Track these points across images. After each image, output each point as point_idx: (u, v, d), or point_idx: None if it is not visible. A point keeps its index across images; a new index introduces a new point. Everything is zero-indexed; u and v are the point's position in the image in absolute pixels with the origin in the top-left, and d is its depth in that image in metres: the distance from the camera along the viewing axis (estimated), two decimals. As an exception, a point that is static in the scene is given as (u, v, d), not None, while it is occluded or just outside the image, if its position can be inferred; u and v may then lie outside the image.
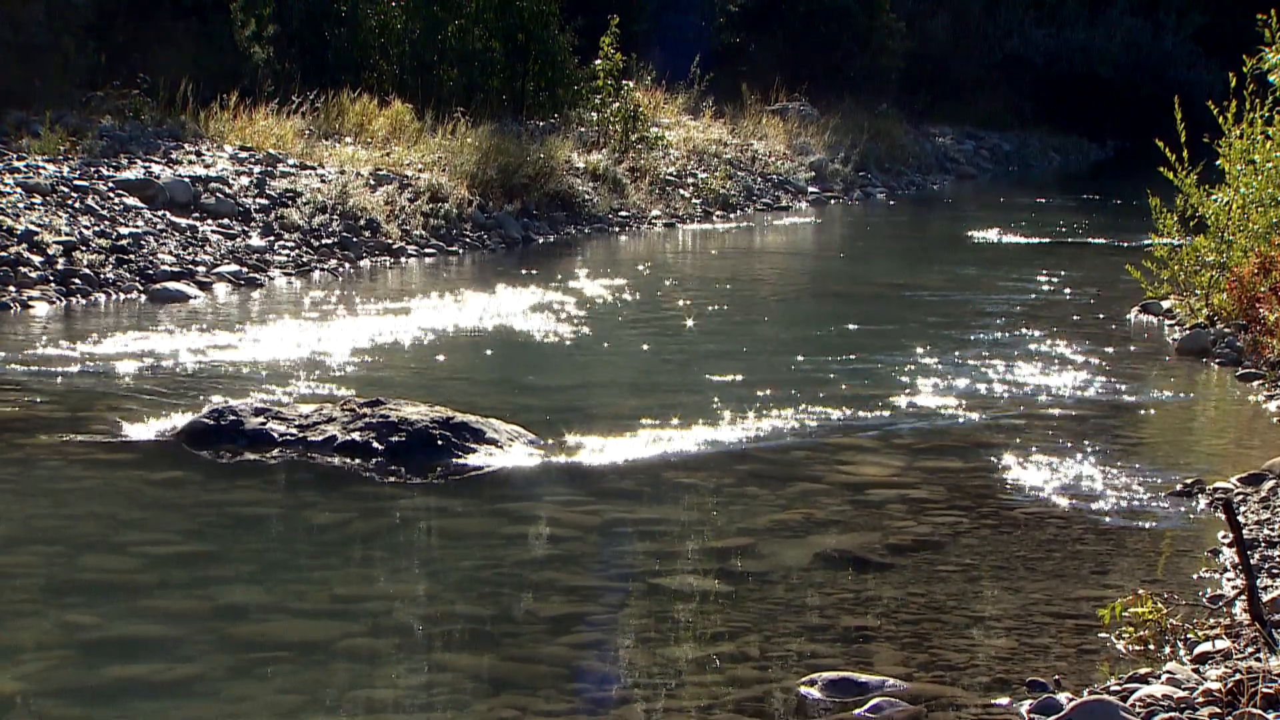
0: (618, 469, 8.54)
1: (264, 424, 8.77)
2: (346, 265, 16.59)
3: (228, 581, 6.69)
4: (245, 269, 15.45)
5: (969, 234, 22.83)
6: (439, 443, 8.56)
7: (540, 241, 19.87)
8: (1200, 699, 5.23)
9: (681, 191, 24.55)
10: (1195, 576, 6.94)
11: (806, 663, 5.82)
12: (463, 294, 14.82)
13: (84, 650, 5.84)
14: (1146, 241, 14.84)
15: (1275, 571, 6.77)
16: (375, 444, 8.54)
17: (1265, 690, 5.14)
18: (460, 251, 18.29)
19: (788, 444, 9.20)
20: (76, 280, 13.95)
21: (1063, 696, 5.40)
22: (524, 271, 16.77)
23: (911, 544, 7.33)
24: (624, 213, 22.37)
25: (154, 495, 7.96)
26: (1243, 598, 6.25)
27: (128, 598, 6.42)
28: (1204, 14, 46.06)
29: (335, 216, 17.48)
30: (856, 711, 5.36)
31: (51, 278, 13.88)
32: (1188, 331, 13.17)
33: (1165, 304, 14.33)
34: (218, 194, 16.94)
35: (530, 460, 8.61)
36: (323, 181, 18.22)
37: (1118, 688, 5.49)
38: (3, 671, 5.59)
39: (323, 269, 16.22)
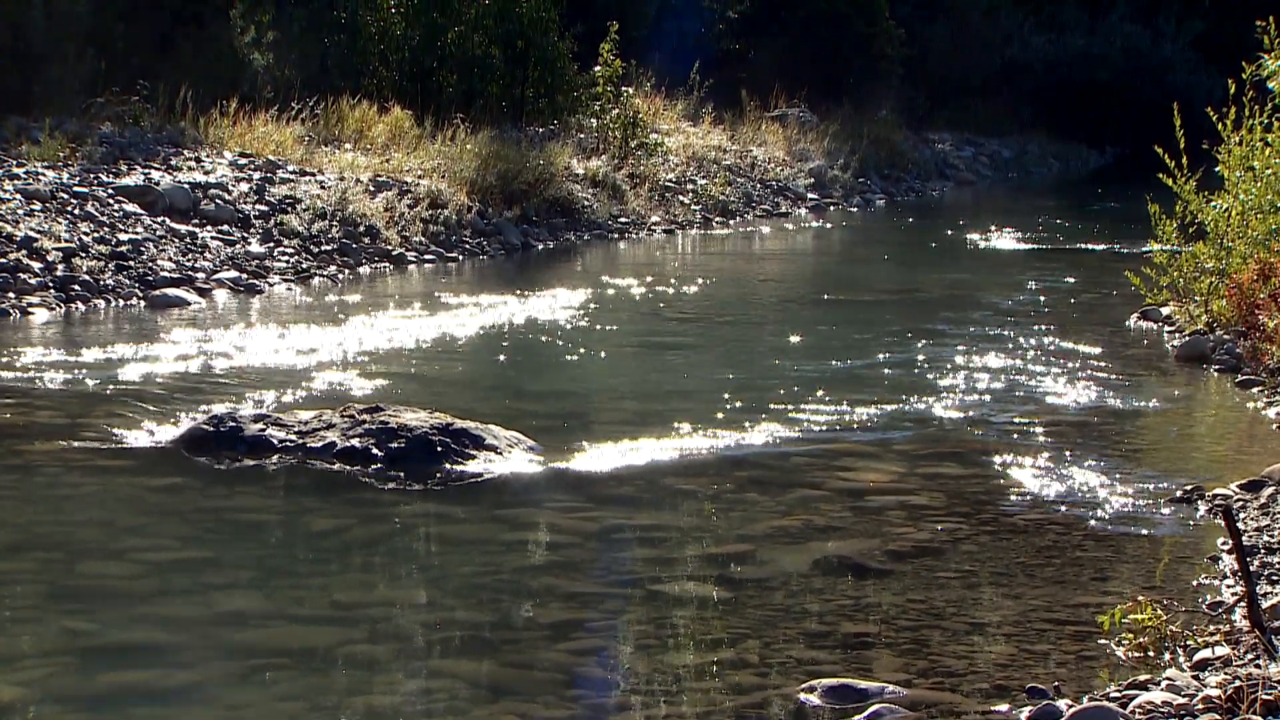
0: (617, 475, 8.54)
1: (263, 430, 8.77)
2: (346, 272, 16.59)
3: (227, 587, 6.69)
4: (245, 275, 15.45)
5: (968, 240, 22.83)
6: (438, 449, 8.56)
7: (540, 248, 19.88)
8: (1200, 705, 5.23)
9: (681, 198, 24.56)
10: (1195, 583, 6.94)
11: (806, 669, 5.82)
12: (462, 300, 14.82)
13: (83, 656, 5.84)
14: (1146, 248, 14.84)
15: (1275, 578, 6.77)
16: (375, 450, 8.54)
17: (1265, 697, 5.14)
18: (460, 258, 18.29)
19: (787, 450, 9.20)
20: (76, 287, 13.95)
21: (1062, 703, 5.39)
22: (523, 278, 16.77)
23: (911, 550, 7.33)
24: (623, 219, 22.37)
25: (153, 501, 7.96)
26: (1242, 604, 6.25)
27: (127, 604, 6.41)
28: (1203, 20, 46.09)
29: (334, 223, 17.49)
30: (856, 718, 5.36)
31: (51, 284, 13.88)
32: (1187, 338, 13.17)
33: (1164, 310, 14.33)
34: (217, 200, 16.95)
35: (530, 466, 8.61)
36: (322, 188, 18.23)
37: (1117, 694, 5.49)
38: (2, 677, 5.58)
39: (322, 275, 16.23)
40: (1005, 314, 15.07)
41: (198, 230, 16.20)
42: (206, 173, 17.80)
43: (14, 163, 16.49)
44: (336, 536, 7.51)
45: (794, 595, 6.71)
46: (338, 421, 8.84)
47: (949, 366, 11.94)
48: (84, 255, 14.55)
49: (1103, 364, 12.29)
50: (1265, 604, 6.19)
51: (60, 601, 6.42)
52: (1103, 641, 6.14)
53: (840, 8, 35.27)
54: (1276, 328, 11.51)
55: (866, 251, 22.49)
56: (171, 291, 14.39)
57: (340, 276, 16.35)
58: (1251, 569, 6.54)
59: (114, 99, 19.60)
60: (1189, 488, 8.35)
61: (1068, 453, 9.16)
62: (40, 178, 16.08)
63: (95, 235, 15.07)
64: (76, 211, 15.43)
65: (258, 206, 17.30)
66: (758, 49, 35.10)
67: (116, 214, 15.74)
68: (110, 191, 16.22)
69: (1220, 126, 13.49)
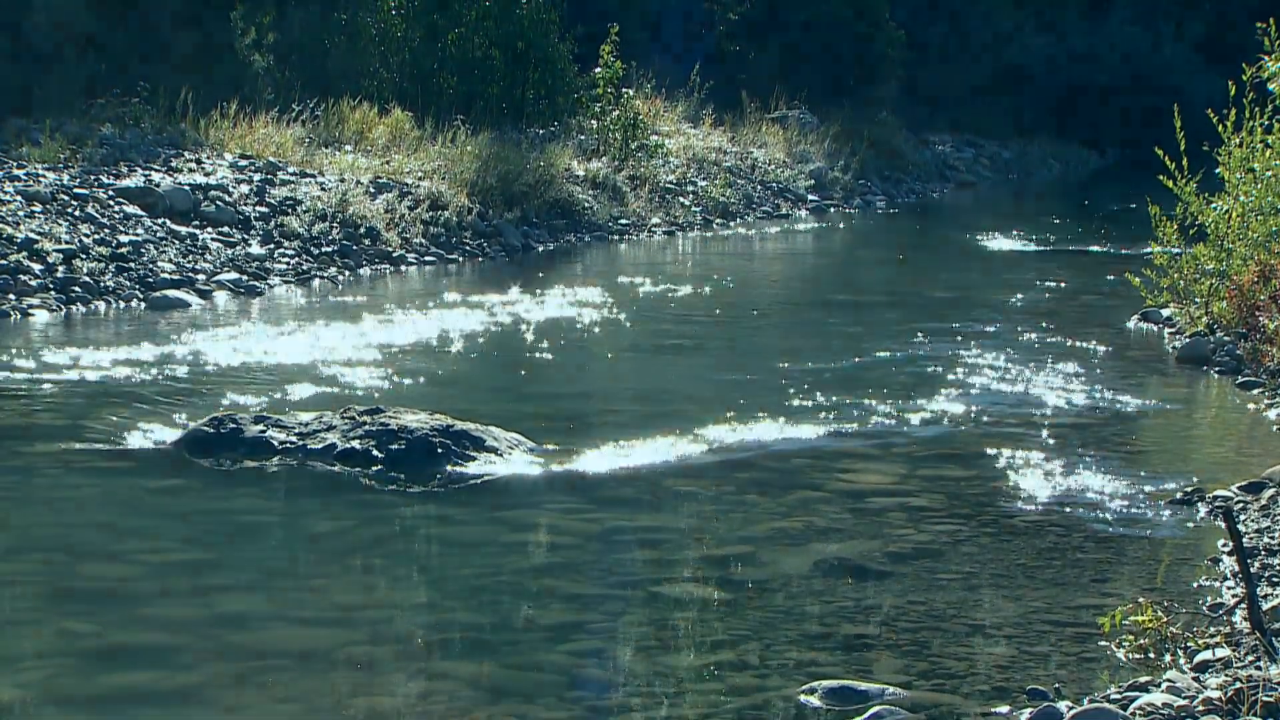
0: (617, 477, 8.54)
1: (264, 431, 8.77)
2: (346, 273, 16.59)
3: (227, 589, 6.69)
4: (245, 277, 15.45)
5: (968, 242, 22.83)
6: (439, 450, 8.56)
7: (540, 249, 19.88)
8: (1200, 707, 5.23)
9: (681, 199, 24.56)
10: (1195, 585, 6.94)
11: (806, 671, 5.82)
12: (462, 302, 14.82)
13: (83, 658, 5.84)
14: (1146, 250, 14.84)
15: (1275, 580, 6.77)
16: (375, 452, 8.54)
17: (1265, 699, 5.14)
18: (460, 259, 18.29)
19: (787, 451, 9.19)
20: (76, 288, 13.95)
21: (1063, 705, 5.39)
22: (524, 280, 16.77)
23: (911, 552, 7.33)
24: (624, 221, 22.37)
25: (154, 503, 7.96)
26: (1243, 606, 6.25)
27: (127, 606, 6.41)
28: (1204, 23, 46.09)
29: (335, 224, 17.49)
30: (856, 720, 5.36)
31: (51, 286, 13.88)
32: (1187, 340, 13.17)
33: (1165, 312, 14.33)
34: (218, 202, 16.95)
35: (530, 468, 8.61)
36: (322, 189, 18.23)
37: (1118, 696, 5.49)
38: (3, 679, 5.58)
39: (323, 277, 16.23)
40: (1005, 316, 15.07)
41: (198, 232, 16.20)
42: (207, 174, 17.80)
43: (14, 164, 16.49)
44: (337, 538, 7.51)
45: (794, 597, 6.71)
46: (338, 423, 8.84)
47: (949, 368, 11.93)
48: (84, 257, 14.55)
49: (1103, 366, 12.29)
50: (1266, 606, 6.19)
51: (60, 603, 6.42)
52: (1103, 643, 6.14)
53: (841, 10, 35.28)
54: (1277, 329, 11.51)
55: (867, 253, 22.49)
56: (172, 293, 14.39)
57: (340, 278, 16.35)
58: (1252, 571, 6.54)
59: (114, 101, 19.61)
60: (1189, 489, 8.35)
61: (1068, 454, 9.16)
62: (41, 179, 16.08)
63: (96, 237, 15.07)
64: (77, 213, 15.43)
65: (258, 208, 17.30)
66: (758, 51, 35.10)
67: (117, 216, 15.75)
68: (111, 193, 16.22)
69: (1220, 128, 13.49)
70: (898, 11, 37.50)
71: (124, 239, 15.22)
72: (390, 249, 17.64)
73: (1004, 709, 5.48)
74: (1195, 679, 5.63)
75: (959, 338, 13.56)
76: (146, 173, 17.20)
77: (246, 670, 5.75)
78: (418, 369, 11.59)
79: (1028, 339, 13.48)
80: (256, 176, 18.22)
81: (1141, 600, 6.25)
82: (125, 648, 5.97)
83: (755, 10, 35.56)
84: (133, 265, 14.76)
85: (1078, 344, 13.23)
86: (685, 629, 6.35)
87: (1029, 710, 5.41)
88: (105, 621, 6.20)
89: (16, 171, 16.21)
